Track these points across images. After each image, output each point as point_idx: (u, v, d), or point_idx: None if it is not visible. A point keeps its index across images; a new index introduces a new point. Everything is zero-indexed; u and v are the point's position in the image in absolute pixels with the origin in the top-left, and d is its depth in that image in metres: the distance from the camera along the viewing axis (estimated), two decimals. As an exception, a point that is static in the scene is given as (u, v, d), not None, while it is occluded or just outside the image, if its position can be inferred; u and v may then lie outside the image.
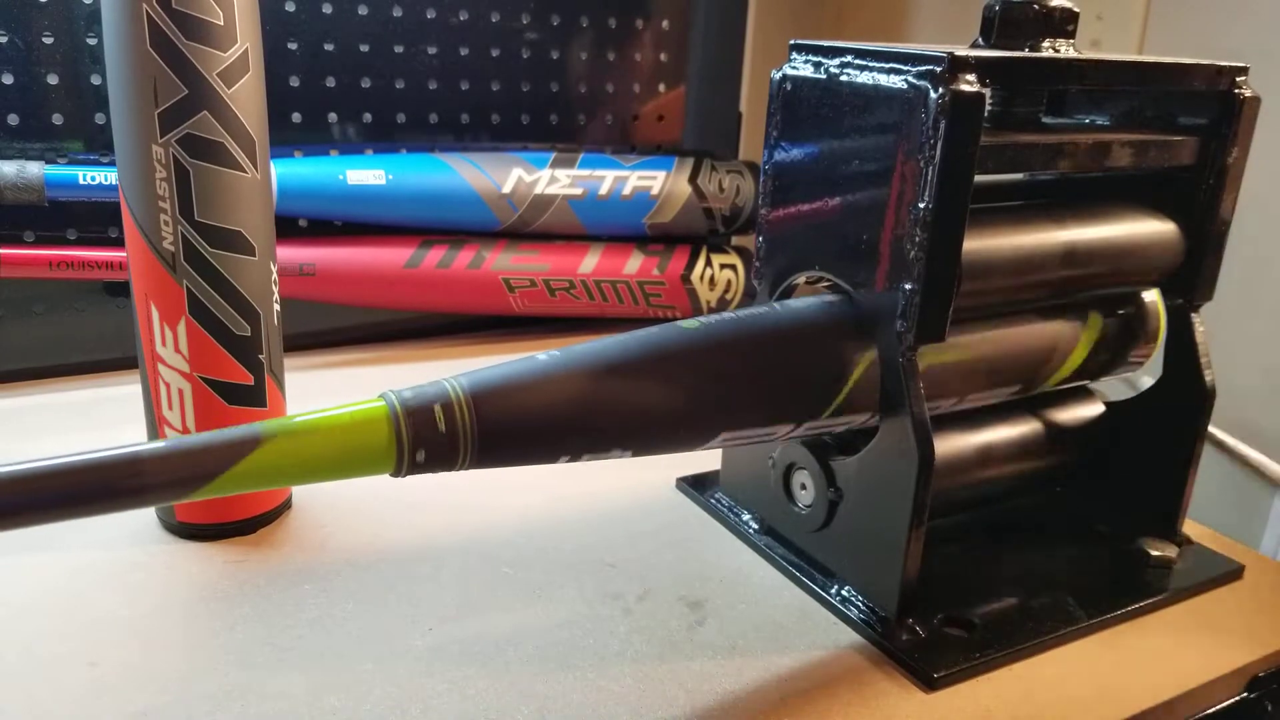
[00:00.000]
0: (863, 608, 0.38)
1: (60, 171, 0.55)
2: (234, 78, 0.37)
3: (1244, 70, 0.40)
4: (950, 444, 0.42)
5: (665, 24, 0.72)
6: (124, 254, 0.39)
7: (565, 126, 0.71)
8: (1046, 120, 0.43)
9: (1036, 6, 0.39)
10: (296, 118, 0.62)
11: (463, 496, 0.47)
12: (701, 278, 0.70)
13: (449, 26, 0.65)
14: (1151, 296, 0.44)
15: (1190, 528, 0.45)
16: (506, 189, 0.65)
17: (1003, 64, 0.35)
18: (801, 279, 0.41)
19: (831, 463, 0.39)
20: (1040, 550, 0.44)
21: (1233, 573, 0.43)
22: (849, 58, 0.37)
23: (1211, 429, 0.43)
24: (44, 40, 0.54)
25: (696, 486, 0.48)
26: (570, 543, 0.43)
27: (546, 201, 0.65)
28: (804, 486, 0.41)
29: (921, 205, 0.34)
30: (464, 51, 0.66)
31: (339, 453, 0.29)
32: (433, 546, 0.43)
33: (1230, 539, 0.46)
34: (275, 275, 0.41)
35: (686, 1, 0.73)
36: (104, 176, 0.55)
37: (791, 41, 0.39)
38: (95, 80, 0.56)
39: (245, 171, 0.38)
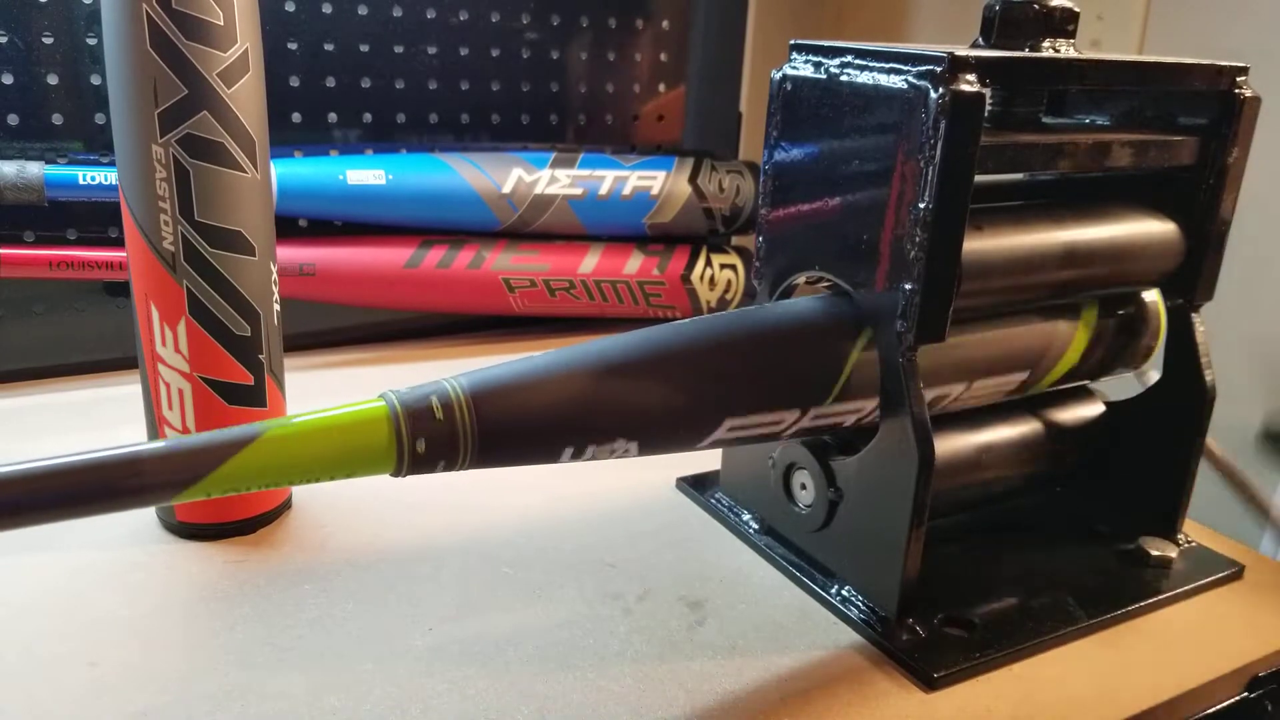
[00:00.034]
0: (863, 608, 0.38)
1: (60, 171, 0.55)
2: (234, 78, 0.37)
3: (1244, 70, 0.40)
4: (950, 444, 0.42)
5: (665, 24, 0.72)
6: (124, 254, 0.39)
7: (565, 126, 0.71)
8: (1046, 120, 0.43)
9: (1036, 6, 0.39)
10: (296, 118, 0.62)
11: (463, 496, 0.47)
12: (701, 278, 0.70)
13: (449, 26, 0.65)
14: (1152, 296, 0.44)
15: (1190, 528, 0.45)
16: (506, 189, 0.65)
17: (1003, 64, 0.35)
18: (801, 279, 0.41)
19: (831, 463, 0.39)
20: (1040, 550, 0.44)
21: (1233, 573, 0.43)
22: (849, 58, 0.37)
23: (1211, 429, 0.43)
24: (44, 40, 0.54)
25: (696, 486, 0.48)
26: (570, 543, 0.43)
27: (546, 201, 0.65)
28: (804, 486, 0.41)
29: (921, 205, 0.34)
30: (464, 51, 0.66)
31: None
32: (433, 546, 0.43)
33: (1230, 539, 0.46)
34: (275, 275, 0.41)
35: (686, 1, 0.73)
36: (104, 176, 0.55)
37: (791, 41, 0.39)
38: (95, 80, 0.56)
39: (245, 171, 0.38)
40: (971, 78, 0.33)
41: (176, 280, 0.38)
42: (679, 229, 0.70)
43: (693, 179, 0.69)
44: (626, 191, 0.68)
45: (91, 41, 0.55)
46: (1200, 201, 0.42)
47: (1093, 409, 0.46)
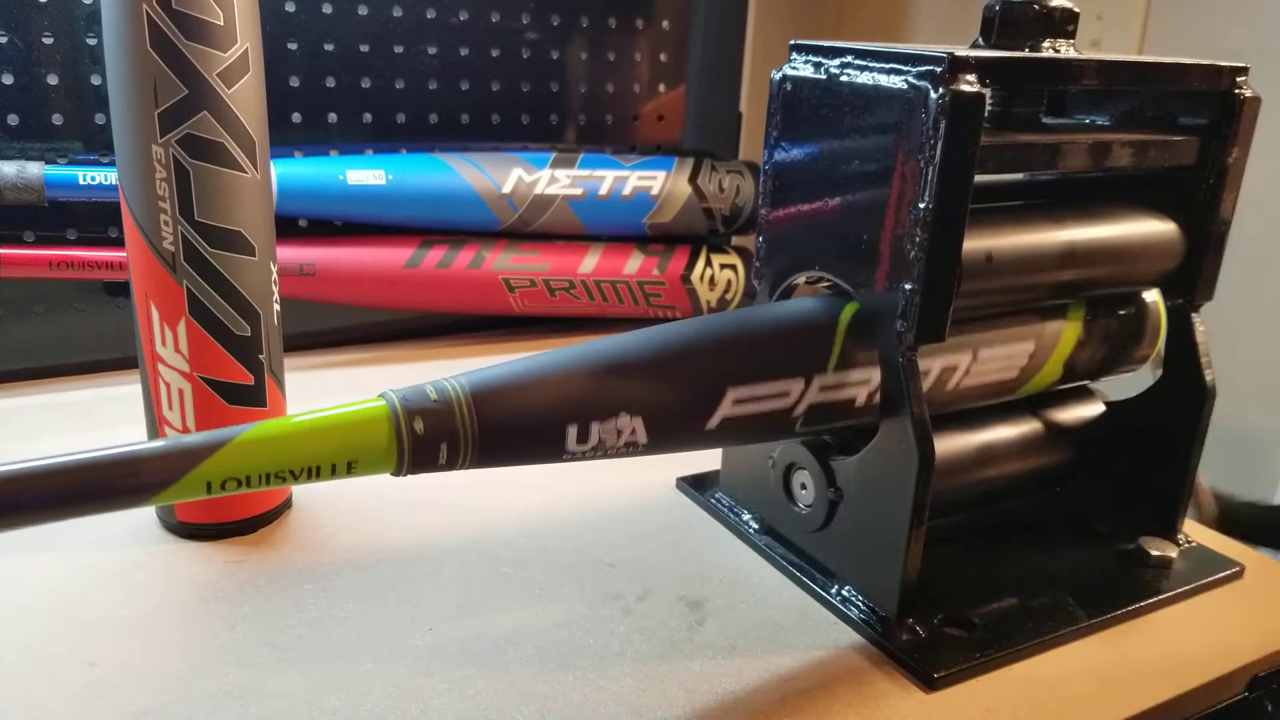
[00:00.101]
0: (863, 608, 0.38)
1: (60, 171, 0.55)
2: (234, 78, 0.37)
3: (1244, 70, 0.40)
4: (950, 444, 0.42)
5: (665, 24, 0.72)
6: (124, 254, 0.39)
7: (565, 126, 0.71)
8: (1046, 120, 0.43)
9: (1036, 6, 0.39)
10: (296, 118, 0.62)
11: (463, 496, 0.47)
12: (701, 278, 0.70)
13: (449, 26, 0.65)
14: (1152, 296, 0.44)
15: (1190, 528, 0.45)
16: (506, 189, 0.65)
17: (1003, 64, 0.35)
18: (801, 279, 0.41)
19: (831, 463, 0.39)
20: (1040, 550, 0.44)
21: (1233, 573, 0.43)
22: (849, 58, 0.37)
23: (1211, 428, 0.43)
24: (44, 40, 0.54)
25: (696, 486, 0.48)
26: (570, 543, 0.43)
27: (546, 201, 0.65)
28: (804, 486, 0.41)
29: (921, 205, 0.34)
30: (464, 51, 0.66)
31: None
32: (433, 546, 0.43)
33: (1230, 539, 0.46)
34: (275, 275, 0.41)
35: (686, 1, 0.73)
36: (104, 176, 0.55)
37: (791, 42, 0.39)
38: (95, 80, 0.56)
39: (245, 171, 0.38)
40: (971, 78, 0.33)
41: (176, 280, 0.38)
42: (679, 229, 0.70)
43: (693, 179, 0.69)
44: (626, 191, 0.68)
45: (91, 41, 0.55)
46: (1200, 201, 0.42)
47: (1093, 409, 0.46)
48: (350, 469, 0.29)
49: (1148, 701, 0.35)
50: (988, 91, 0.33)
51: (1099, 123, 0.43)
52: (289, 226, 0.63)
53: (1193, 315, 0.43)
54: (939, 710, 0.34)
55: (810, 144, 0.39)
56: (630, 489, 0.48)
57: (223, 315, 0.39)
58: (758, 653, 0.37)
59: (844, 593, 0.39)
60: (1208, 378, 0.43)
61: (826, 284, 0.39)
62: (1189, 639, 0.39)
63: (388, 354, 0.66)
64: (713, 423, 0.35)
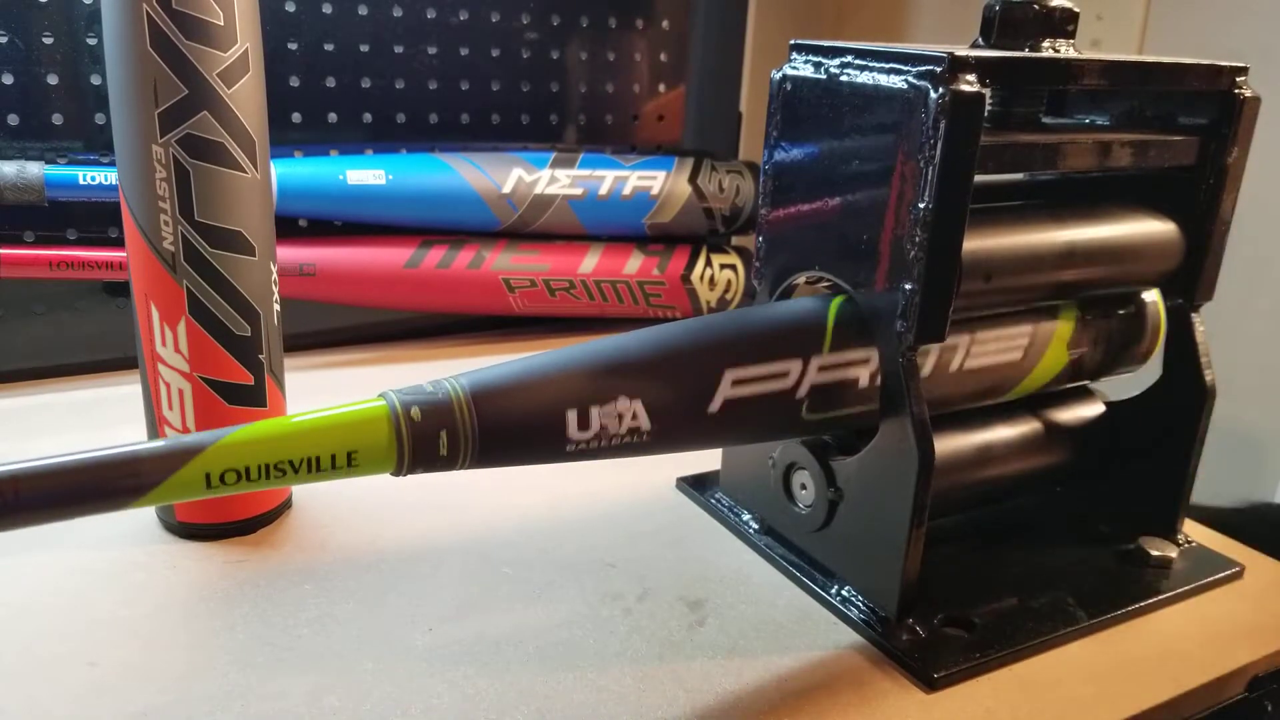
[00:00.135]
0: (863, 608, 0.38)
1: (60, 171, 0.55)
2: (234, 78, 0.37)
3: (1244, 70, 0.40)
4: (950, 444, 0.42)
5: (665, 24, 0.72)
6: (124, 254, 0.39)
7: (565, 126, 0.71)
8: (1046, 120, 0.43)
9: (1036, 6, 0.39)
10: (296, 118, 0.62)
11: (463, 496, 0.47)
12: (701, 278, 0.70)
13: (449, 26, 0.65)
14: (1152, 296, 0.44)
15: (1190, 528, 0.45)
16: (506, 189, 0.65)
17: (1003, 64, 0.35)
18: (801, 279, 0.41)
19: (831, 463, 0.39)
20: (1040, 550, 0.44)
21: (1233, 573, 0.43)
22: (849, 58, 0.37)
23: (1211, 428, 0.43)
24: (44, 40, 0.54)
25: (696, 486, 0.48)
26: (570, 543, 0.43)
27: (546, 201, 0.65)
28: (804, 486, 0.41)
29: (921, 205, 0.34)
30: (464, 51, 0.66)
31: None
32: (433, 546, 0.43)
33: (1230, 539, 0.46)
34: (275, 275, 0.41)
35: (686, 1, 0.73)
36: (104, 176, 0.55)
37: (791, 41, 0.39)
38: (95, 80, 0.56)
39: (245, 171, 0.38)
40: (971, 78, 0.33)
41: (176, 280, 0.38)
42: (679, 229, 0.70)
43: (693, 179, 0.69)
44: (626, 191, 0.68)
45: (91, 41, 0.55)
46: (1200, 201, 0.42)
47: (1093, 409, 0.46)
48: (350, 459, 0.29)
49: (1147, 702, 0.35)
50: (988, 91, 0.33)
51: (1099, 123, 0.43)
52: (289, 226, 0.63)
53: (1193, 315, 0.43)
54: (939, 710, 0.34)
55: (810, 144, 0.39)
56: (630, 489, 0.48)
57: (223, 315, 0.39)
58: (758, 653, 0.37)
59: (844, 593, 0.39)
60: (1208, 378, 0.43)
61: (826, 284, 0.39)
62: (1189, 639, 0.39)
63: (388, 354, 0.66)
64: (715, 405, 0.35)
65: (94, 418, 0.54)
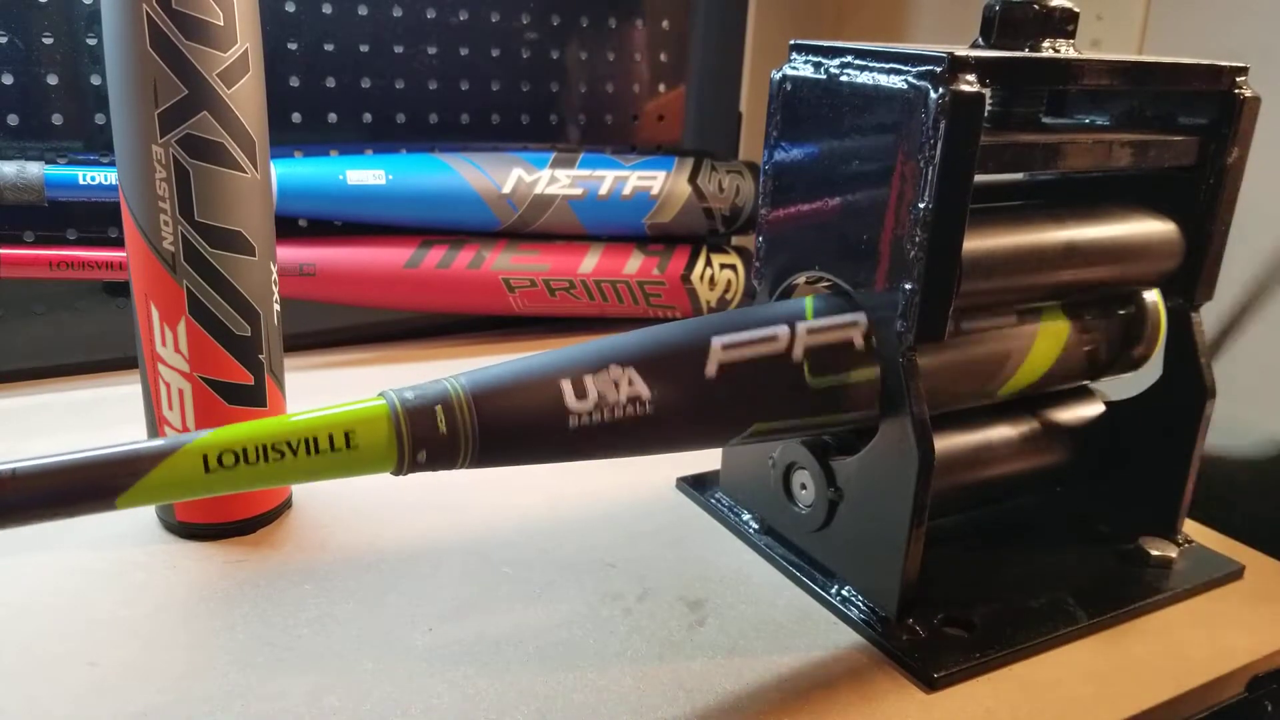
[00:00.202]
0: (863, 608, 0.38)
1: (60, 171, 0.55)
2: (234, 78, 0.37)
3: (1244, 70, 0.40)
4: (950, 444, 0.42)
5: (665, 24, 0.72)
6: (124, 254, 0.39)
7: (565, 126, 0.71)
8: (1046, 120, 0.43)
9: (1036, 6, 0.39)
10: (296, 118, 0.62)
11: (463, 496, 0.47)
12: (701, 278, 0.70)
13: (449, 26, 0.65)
14: (1152, 296, 0.44)
15: (1190, 528, 0.45)
16: (506, 189, 0.65)
17: (1003, 64, 0.35)
18: (801, 279, 0.41)
19: (831, 463, 0.39)
20: (1040, 550, 0.44)
21: (1233, 573, 0.43)
22: (849, 58, 0.37)
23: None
24: (44, 40, 0.54)
25: (696, 486, 0.48)
26: (570, 543, 0.43)
27: (546, 201, 0.65)
28: (804, 486, 0.41)
29: (921, 205, 0.34)
30: (464, 51, 0.66)
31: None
32: (433, 546, 0.43)
33: (1230, 539, 0.46)
34: (275, 275, 0.41)
35: (686, 1, 0.73)
36: (104, 176, 0.55)
37: (791, 41, 0.39)
38: (95, 80, 0.56)
39: (245, 171, 0.38)
40: (971, 78, 0.33)
41: (176, 280, 0.38)
42: (679, 229, 0.70)
43: (693, 179, 0.69)
44: (626, 191, 0.68)
45: (91, 41, 0.55)
46: (1200, 201, 0.42)
47: (1093, 409, 0.46)
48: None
49: (1147, 701, 0.35)
50: (988, 91, 0.33)
51: (1099, 123, 0.43)
52: (289, 226, 0.63)
53: (1192, 315, 0.43)
54: (939, 710, 0.34)
55: (810, 144, 0.39)
56: (630, 489, 0.48)
57: (223, 315, 0.39)
58: (758, 653, 0.37)
59: (844, 593, 0.39)
60: (1208, 378, 0.43)
61: (826, 284, 0.39)
62: (1189, 639, 0.39)
63: (388, 354, 0.66)
64: (711, 368, 0.35)
65: (93, 418, 0.54)
